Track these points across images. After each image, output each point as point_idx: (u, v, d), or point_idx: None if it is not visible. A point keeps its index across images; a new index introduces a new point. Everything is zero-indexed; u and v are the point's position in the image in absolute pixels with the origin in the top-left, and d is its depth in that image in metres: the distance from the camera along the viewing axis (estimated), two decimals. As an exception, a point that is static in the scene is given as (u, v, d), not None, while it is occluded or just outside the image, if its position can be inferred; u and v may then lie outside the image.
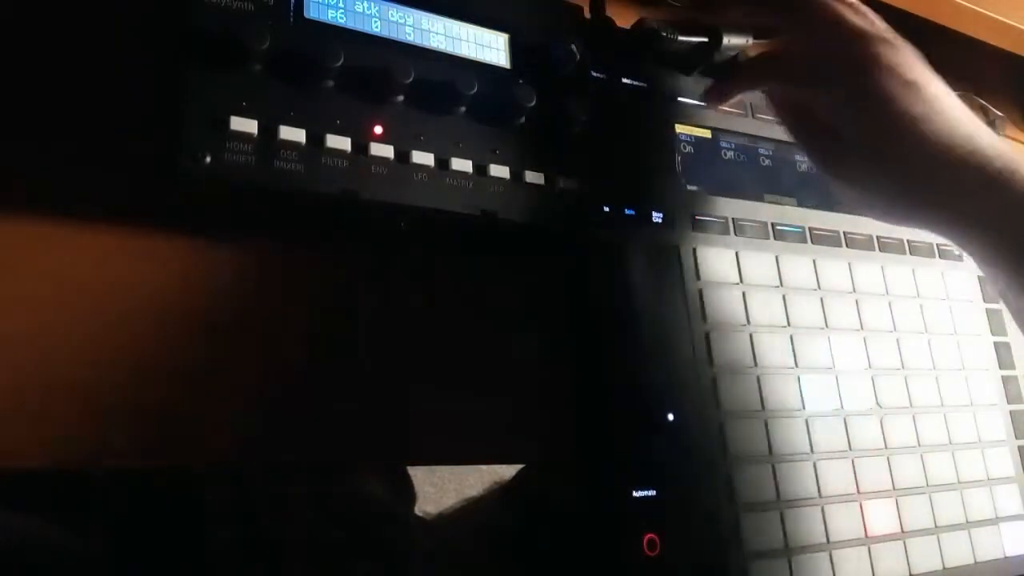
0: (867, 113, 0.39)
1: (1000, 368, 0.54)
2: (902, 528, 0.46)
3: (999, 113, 0.64)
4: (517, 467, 0.60)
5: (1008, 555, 0.49)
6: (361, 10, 0.35)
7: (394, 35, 0.36)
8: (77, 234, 0.32)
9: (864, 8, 0.42)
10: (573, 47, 0.39)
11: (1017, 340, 0.55)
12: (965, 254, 0.42)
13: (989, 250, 0.40)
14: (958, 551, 0.47)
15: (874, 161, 0.40)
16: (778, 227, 0.48)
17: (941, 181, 0.39)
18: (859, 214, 0.49)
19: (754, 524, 0.41)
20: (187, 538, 0.50)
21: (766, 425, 0.43)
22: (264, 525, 0.50)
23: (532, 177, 0.37)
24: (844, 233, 0.50)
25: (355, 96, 0.34)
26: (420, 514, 0.71)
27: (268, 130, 0.31)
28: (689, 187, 0.45)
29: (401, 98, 0.35)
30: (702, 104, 0.47)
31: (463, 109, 0.36)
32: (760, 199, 0.48)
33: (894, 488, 0.46)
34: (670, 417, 0.40)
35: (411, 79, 0.34)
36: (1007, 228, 0.38)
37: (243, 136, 0.31)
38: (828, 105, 0.41)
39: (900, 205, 0.41)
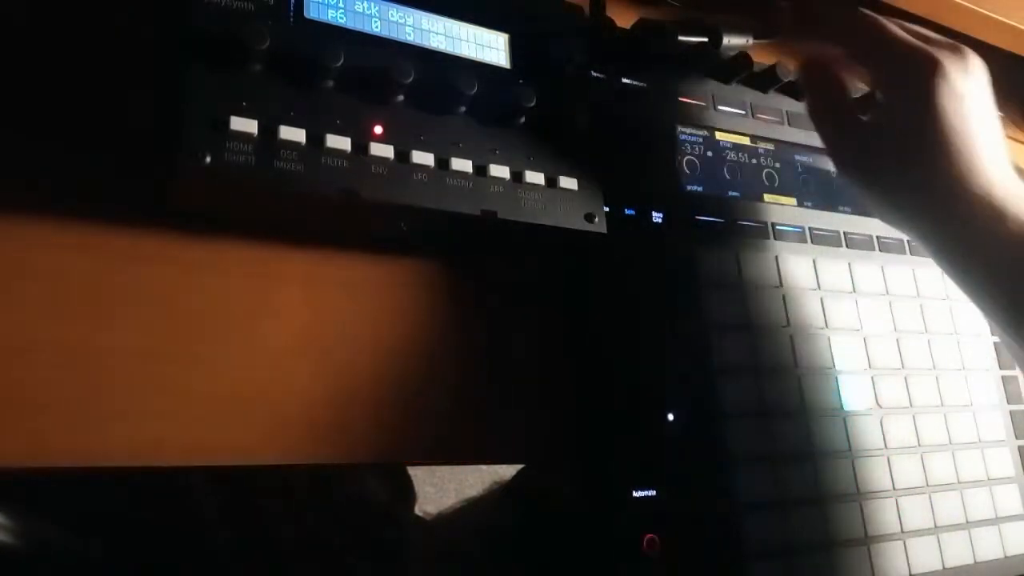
0: (913, 107, 0.40)
1: (1000, 368, 0.54)
2: (902, 528, 0.46)
3: (999, 113, 0.63)
4: (517, 467, 0.60)
5: (1008, 555, 0.49)
6: (361, 10, 0.35)
7: (394, 35, 0.36)
8: (76, 235, 0.32)
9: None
10: (573, 47, 0.39)
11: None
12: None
13: (971, 282, 0.41)
14: (958, 551, 0.47)
15: (908, 161, 0.40)
16: (778, 227, 0.48)
17: (947, 206, 0.39)
18: (863, 212, 0.49)
19: (754, 524, 0.41)
20: (188, 538, 0.50)
21: (766, 425, 0.43)
22: (264, 525, 0.50)
23: (532, 177, 0.37)
24: (844, 233, 0.50)
25: (355, 96, 0.34)
26: (420, 514, 0.71)
27: (268, 130, 0.31)
28: (689, 187, 0.45)
29: (401, 98, 0.35)
30: (702, 104, 0.47)
31: (463, 109, 0.36)
32: (760, 199, 0.48)
33: (894, 488, 0.46)
34: (670, 417, 0.40)
35: (411, 79, 0.34)
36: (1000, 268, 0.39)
37: (243, 136, 0.31)
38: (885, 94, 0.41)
39: (904, 213, 0.42)
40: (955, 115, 0.39)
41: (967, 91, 0.40)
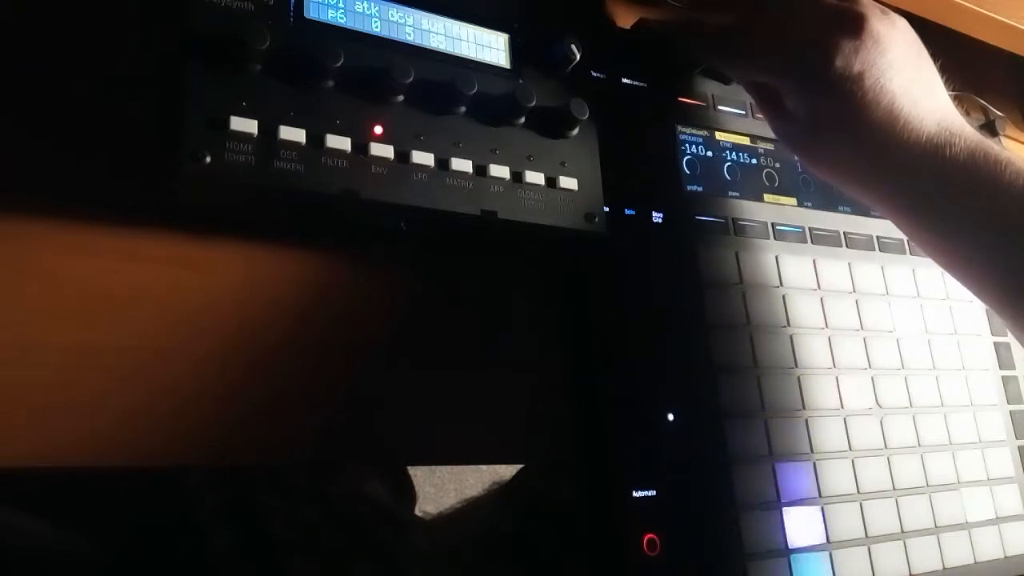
0: (814, 97, 0.40)
1: (1000, 368, 0.54)
2: (902, 528, 0.46)
3: (999, 113, 0.63)
4: (517, 467, 0.60)
5: (1008, 555, 0.49)
6: (361, 10, 0.35)
7: (394, 35, 0.36)
8: (76, 235, 0.32)
9: None
10: (573, 47, 0.39)
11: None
12: None
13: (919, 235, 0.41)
14: (958, 551, 0.47)
15: (829, 143, 0.40)
16: (778, 227, 0.48)
17: (882, 167, 0.39)
18: (863, 212, 0.49)
19: (754, 524, 0.41)
20: (188, 539, 0.50)
21: (766, 425, 0.43)
22: (264, 526, 0.50)
23: (532, 177, 0.37)
24: (844, 233, 0.50)
25: (355, 96, 0.34)
26: (420, 514, 0.71)
27: (268, 130, 0.31)
28: (689, 187, 0.45)
29: (401, 98, 0.35)
30: (702, 104, 0.47)
31: (463, 109, 0.36)
32: (760, 199, 0.48)
33: (894, 488, 0.46)
34: (670, 417, 0.40)
35: (411, 79, 0.34)
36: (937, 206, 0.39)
37: (243, 136, 0.31)
38: (783, 86, 0.41)
39: (856, 186, 0.41)
40: (865, 81, 0.38)
41: (869, 61, 0.38)
